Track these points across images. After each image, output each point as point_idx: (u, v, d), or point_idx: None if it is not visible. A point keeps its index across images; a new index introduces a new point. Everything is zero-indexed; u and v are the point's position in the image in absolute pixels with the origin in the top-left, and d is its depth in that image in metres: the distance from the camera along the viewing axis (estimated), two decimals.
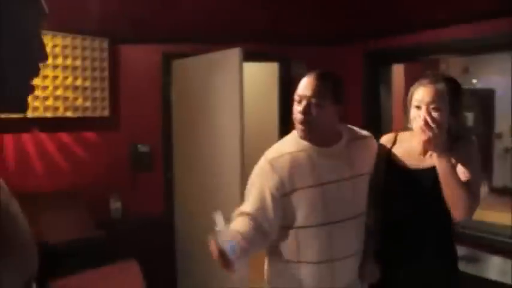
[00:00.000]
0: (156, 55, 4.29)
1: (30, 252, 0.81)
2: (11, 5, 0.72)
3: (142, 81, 4.28)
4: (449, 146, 1.89)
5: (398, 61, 4.22)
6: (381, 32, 3.91)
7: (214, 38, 4.14)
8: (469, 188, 1.83)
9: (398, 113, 4.53)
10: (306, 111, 1.84)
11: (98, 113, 4.04)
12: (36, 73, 0.80)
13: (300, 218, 1.85)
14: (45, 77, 3.75)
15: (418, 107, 1.91)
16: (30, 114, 3.68)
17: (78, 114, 3.93)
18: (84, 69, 3.95)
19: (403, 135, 2.13)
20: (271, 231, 1.87)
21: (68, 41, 3.87)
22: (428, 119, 1.83)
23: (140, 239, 3.95)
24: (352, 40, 4.25)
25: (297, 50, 4.36)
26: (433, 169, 1.89)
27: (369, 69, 4.13)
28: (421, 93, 1.92)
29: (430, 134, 1.81)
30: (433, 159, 1.89)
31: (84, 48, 3.95)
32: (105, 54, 4.07)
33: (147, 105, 4.32)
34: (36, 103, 3.71)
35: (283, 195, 1.86)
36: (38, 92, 3.71)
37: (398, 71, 4.41)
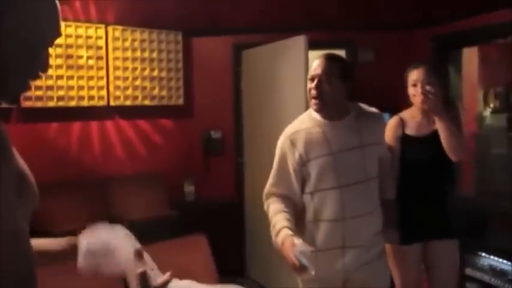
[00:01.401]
0: (227, 46, 4.49)
1: (34, 188, 0.96)
2: (34, 18, 0.87)
3: (214, 71, 4.51)
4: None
5: (468, 44, 4.08)
6: (450, 15, 3.82)
7: (282, 28, 4.26)
8: (460, 138, 2.38)
9: (472, 96, 4.39)
10: (317, 87, 2.09)
11: (173, 102, 4.34)
12: (35, 79, 0.92)
13: (316, 182, 2.12)
14: (126, 68, 4.09)
15: (415, 85, 2.41)
16: (112, 102, 4.04)
17: (155, 102, 4.25)
18: (160, 60, 4.26)
19: (404, 114, 2.60)
20: (297, 200, 2.20)
21: (146, 35, 4.18)
22: (425, 92, 2.35)
23: (211, 220, 4.17)
24: (420, 24, 4.18)
25: (364, 36, 4.37)
26: (436, 132, 2.41)
27: (437, 53, 4.04)
28: (415, 74, 2.41)
29: (428, 103, 2.34)
30: (432, 126, 2.43)
31: (160, 41, 4.25)
32: (179, 47, 4.35)
33: (219, 94, 4.55)
34: (118, 92, 4.06)
35: (301, 165, 2.14)
36: (119, 83, 4.06)
37: (470, 54, 4.26)
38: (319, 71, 2.09)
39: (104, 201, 3.97)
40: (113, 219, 3.84)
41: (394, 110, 4.30)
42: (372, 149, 2.17)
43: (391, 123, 2.59)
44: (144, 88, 4.19)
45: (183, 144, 4.49)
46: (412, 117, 2.54)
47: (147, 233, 3.71)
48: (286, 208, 2.14)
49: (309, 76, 2.15)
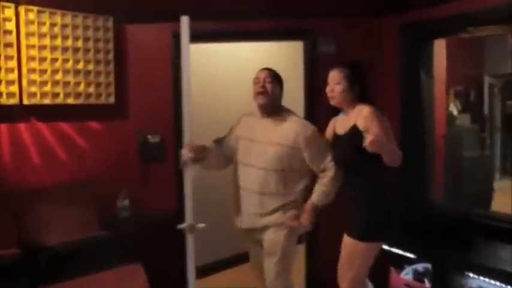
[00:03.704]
0: (167, 35, 3.85)
1: None
2: None
3: (151, 64, 3.87)
4: (352, 108, 2.70)
5: (440, 35, 3.69)
6: (421, 1, 3.40)
7: (230, 14, 3.71)
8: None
9: (440, 94, 4.03)
10: (263, 86, 2.83)
11: (102, 100, 3.65)
12: None
13: (238, 156, 2.93)
14: (43, 59, 3.37)
15: (328, 84, 2.74)
16: (26, 101, 3.30)
17: (80, 101, 3.54)
18: (86, 51, 3.56)
19: (338, 117, 2.86)
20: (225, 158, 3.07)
21: (68, 19, 3.47)
22: (332, 90, 2.73)
23: (150, 239, 3.54)
24: (388, 11, 3.73)
25: (325, 25, 3.88)
26: (350, 129, 2.64)
27: (406, 44, 3.62)
28: (330, 74, 2.75)
29: (334, 101, 2.74)
30: (349, 123, 2.65)
31: (86, 28, 3.56)
32: (110, 35, 3.68)
33: (157, 92, 3.91)
34: (33, 88, 3.33)
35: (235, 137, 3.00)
36: (34, 77, 3.33)
37: (440, 47, 3.88)
38: (263, 76, 2.87)
39: (16, 223, 3.21)
40: (26, 245, 3.11)
41: None
42: (272, 147, 2.78)
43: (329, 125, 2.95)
44: (66, 84, 3.47)
45: (115, 150, 3.81)
46: (340, 117, 2.81)
47: (72, 260, 3.04)
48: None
49: (255, 79, 2.88)
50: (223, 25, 3.80)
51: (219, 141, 3.06)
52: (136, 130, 3.86)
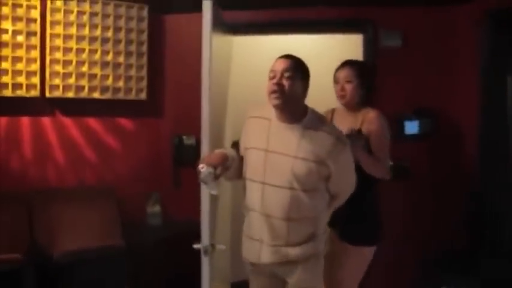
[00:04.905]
0: None
1: None
2: None
3: (189, 58, 3.47)
4: (358, 109, 2.57)
5: None
6: None
7: (282, 2, 3.26)
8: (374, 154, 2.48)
9: None
10: (279, 83, 2.07)
11: (132, 96, 3.36)
12: None
13: (248, 171, 2.21)
14: (68, 50, 3.15)
15: (338, 82, 2.58)
16: (48, 93, 3.09)
17: (108, 96, 3.28)
18: (117, 42, 3.31)
19: (338, 110, 2.69)
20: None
21: (98, 7, 3.24)
22: (342, 89, 2.56)
23: (181, 249, 3.17)
24: None
25: (388, 14, 3.27)
26: (357, 133, 2.51)
27: (489, 37, 2.92)
28: (339, 72, 2.59)
29: (344, 100, 2.57)
30: (351, 125, 2.53)
31: (118, 17, 3.31)
32: (144, 25, 3.40)
33: (195, 89, 3.53)
34: (56, 81, 3.11)
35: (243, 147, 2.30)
36: (57, 68, 3.11)
37: None
38: (280, 68, 2.10)
39: (30, 224, 3.01)
40: (36, 250, 2.88)
41: (427, 113, 3.26)
42: (303, 163, 2.10)
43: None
44: (92, 76, 3.22)
45: (147, 150, 3.52)
46: (342, 112, 2.65)
47: (76, 271, 2.74)
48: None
49: (270, 73, 2.13)
50: (274, 15, 3.37)
51: (237, 146, 2.48)
52: (171, 132, 3.53)
